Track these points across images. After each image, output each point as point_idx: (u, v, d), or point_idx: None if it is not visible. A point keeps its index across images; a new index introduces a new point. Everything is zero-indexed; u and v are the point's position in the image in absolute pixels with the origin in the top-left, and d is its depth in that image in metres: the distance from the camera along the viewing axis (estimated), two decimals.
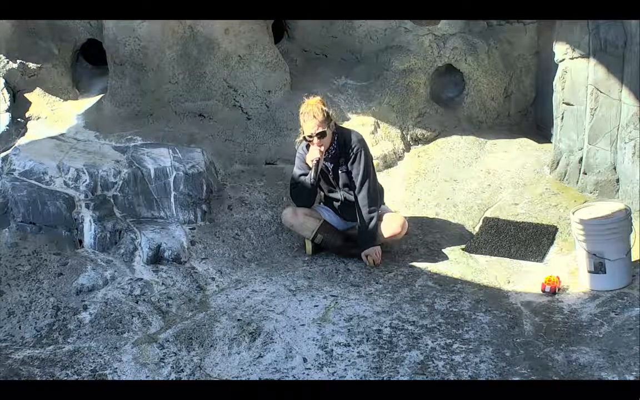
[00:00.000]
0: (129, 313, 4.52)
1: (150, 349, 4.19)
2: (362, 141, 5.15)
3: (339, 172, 5.16)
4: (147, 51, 6.29)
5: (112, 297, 4.63)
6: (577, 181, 5.72)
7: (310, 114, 5.00)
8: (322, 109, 5.01)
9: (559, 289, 4.67)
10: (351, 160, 5.09)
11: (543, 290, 4.68)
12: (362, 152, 5.09)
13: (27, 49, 6.49)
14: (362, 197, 5.09)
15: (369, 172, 5.10)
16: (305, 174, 5.13)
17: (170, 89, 6.38)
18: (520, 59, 6.78)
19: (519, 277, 4.93)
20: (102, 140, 5.93)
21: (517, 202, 5.69)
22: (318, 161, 5.03)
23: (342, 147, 5.11)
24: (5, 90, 6.26)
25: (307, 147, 5.12)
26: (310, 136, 5.02)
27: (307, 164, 5.11)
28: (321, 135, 5.00)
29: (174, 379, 3.96)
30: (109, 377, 3.97)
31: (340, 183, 5.19)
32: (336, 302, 4.57)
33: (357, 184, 5.09)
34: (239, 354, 4.14)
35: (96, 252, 5.02)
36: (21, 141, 5.94)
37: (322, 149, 5.03)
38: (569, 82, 5.75)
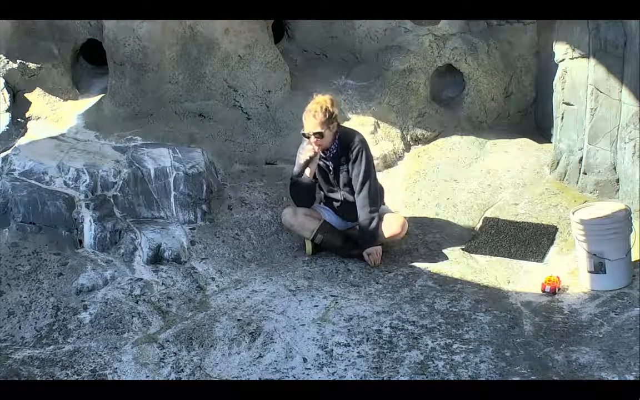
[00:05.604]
0: (129, 313, 4.52)
1: (150, 349, 4.19)
2: (363, 142, 5.15)
3: (340, 172, 5.16)
4: (147, 51, 6.29)
5: (112, 297, 4.63)
6: (577, 181, 5.71)
7: (312, 113, 5.00)
8: (326, 109, 5.00)
9: (559, 289, 4.67)
10: (352, 160, 5.09)
11: (543, 290, 4.68)
12: (364, 153, 5.08)
13: (27, 49, 6.48)
14: (362, 198, 5.08)
15: (370, 173, 5.10)
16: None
17: (170, 89, 6.38)
18: (520, 59, 6.77)
19: (519, 277, 4.93)
20: (102, 140, 5.93)
21: (517, 202, 5.69)
22: (309, 160, 5.03)
23: (344, 147, 5.11)
24: (5, 90, 6.26)
25: None
26: (307, 134, 5.03)
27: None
28: (318, 135, 5.00)
29: (174, 379, 3.96)
30: (109, 377, 3.97)
31: (341, 183, 5.19)
32: (336, 302, 4.57)
33: (358, 184, 5.09)
34: (239, 354, 4.14)
35: (96, 252, 5.02)
36: (21, 141, 5.93)
37: (317, 149, 5.03)
38: (569, 82, 5.75)
